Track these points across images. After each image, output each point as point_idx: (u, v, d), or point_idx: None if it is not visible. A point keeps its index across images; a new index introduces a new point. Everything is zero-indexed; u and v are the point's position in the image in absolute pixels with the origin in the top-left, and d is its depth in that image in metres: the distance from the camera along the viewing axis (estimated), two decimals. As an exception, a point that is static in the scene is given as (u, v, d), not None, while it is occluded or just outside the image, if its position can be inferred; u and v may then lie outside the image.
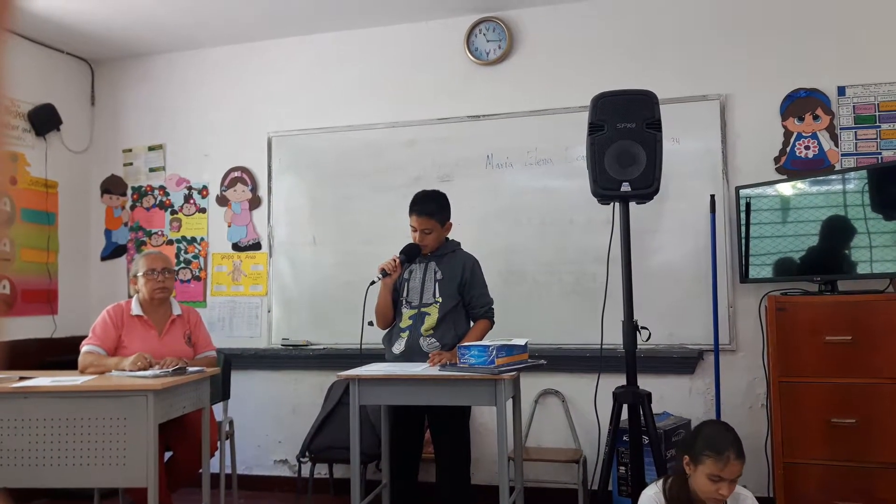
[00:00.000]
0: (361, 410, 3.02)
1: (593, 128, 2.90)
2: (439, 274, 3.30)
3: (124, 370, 3.13)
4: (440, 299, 3.27)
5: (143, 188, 4.83)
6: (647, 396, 2.89)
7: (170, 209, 4.78)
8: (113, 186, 4.89)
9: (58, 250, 4.61)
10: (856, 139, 3.69)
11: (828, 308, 3.20)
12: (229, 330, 4.58)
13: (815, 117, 3.74)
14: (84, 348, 3.34)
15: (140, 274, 3.45)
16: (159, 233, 4.78)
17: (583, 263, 3.96)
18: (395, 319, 3.37)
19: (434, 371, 2.96)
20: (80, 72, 4.87)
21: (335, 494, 4.22)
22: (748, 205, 3.61)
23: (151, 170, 4.83)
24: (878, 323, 3.10)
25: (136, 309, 3.43)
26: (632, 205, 2.99)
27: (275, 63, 4.62)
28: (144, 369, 3.09)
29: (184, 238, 4.73)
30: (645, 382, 3.00)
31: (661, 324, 3.65)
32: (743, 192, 3.64)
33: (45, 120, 4.48)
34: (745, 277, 3.63)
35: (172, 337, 3.46)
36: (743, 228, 3.62)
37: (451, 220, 3.37)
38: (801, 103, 3.76)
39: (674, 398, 3.83)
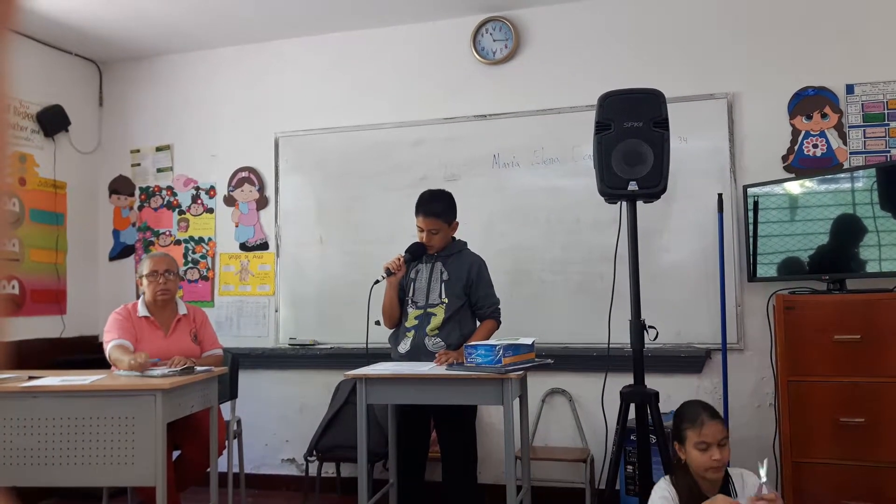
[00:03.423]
0: (368, 410, 3.02)
1: (600, 127, 2.89)
2: (445, 274, 3.30)
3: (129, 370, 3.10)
4: (446, 300, 3.27)
5: (151, 188, 4.85)
6: (655, 396, 2.88)
7: (177, 209, 4.79)
8: (121, 187, 4.91)
9: (66, 250, 4.63)
10: (864, 137, 3.67)
11: (836, 307, 3.19)
12: (237, 329, 4.60)
13: (824, 115, 3.72)
14: (110, 344, 3.30)
15: (144, 275, 3.48)
16: (167, 233, 4.80)
17: (590, 263, 3.95)
18: (401, 319, 3.37)
19: (441, 370, 2.96)
20: (88, 73, 4.89)
21: (342, 493, 4.24)
22: (756, 203, 3.60)
23: (159, 170, 4.85)
24: (887, 322, 3.08)
25: (142, 310, 3.46)
26: (639, 204, 2.98)
27: (282, 63, 4.63)
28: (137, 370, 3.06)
29: (191, 238, 4.75)
30: (652, 382, 2.99)
31: (668, 323, 3.64)
32: (751, 190, 3.63)
33: (53, 121, 4.50)
34: (752, 276, 3.62)
35: (179, 336, 3.47)
36: (751, 227, 3.61)
37: (458, 220, 3.37)
38: (809, 101, 3.75)
39: (681, 397, 3.78)
